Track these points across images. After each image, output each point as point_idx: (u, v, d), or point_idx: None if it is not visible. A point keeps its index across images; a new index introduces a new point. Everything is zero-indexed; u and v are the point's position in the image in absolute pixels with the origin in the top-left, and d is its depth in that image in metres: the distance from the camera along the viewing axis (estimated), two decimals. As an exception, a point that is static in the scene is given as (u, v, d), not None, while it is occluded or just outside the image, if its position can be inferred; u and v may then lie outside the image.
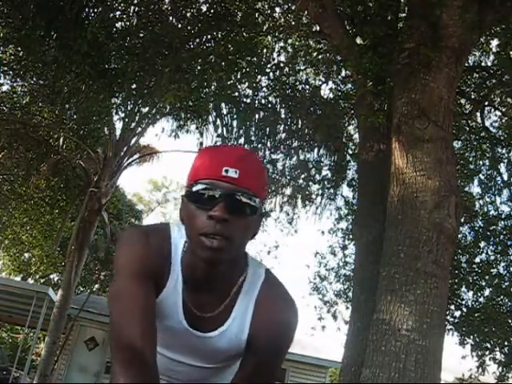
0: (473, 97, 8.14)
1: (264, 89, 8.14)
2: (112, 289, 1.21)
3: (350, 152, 8.77)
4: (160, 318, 1.22)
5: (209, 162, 1.17)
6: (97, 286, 20.17)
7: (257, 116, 8.13)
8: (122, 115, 11.39)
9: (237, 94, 8.07)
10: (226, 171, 1.13)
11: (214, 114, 8.94)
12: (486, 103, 8.27)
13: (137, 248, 1.21)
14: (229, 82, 7.36)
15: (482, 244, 8.79)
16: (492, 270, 8.55)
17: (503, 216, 8.70)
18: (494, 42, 7.72)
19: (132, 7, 7.44)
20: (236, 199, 1.13)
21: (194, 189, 1.15)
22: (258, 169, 1.22)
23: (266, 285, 1.28)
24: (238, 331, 1.25)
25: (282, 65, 8.08)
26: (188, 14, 7.48)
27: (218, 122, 8.92)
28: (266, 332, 1.23)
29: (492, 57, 8.02)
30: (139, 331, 1.12)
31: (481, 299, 8.68)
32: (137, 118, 12.29)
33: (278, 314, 1.25)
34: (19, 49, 8.12)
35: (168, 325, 1.25)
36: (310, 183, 8.80)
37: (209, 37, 7.51)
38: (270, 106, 8.14)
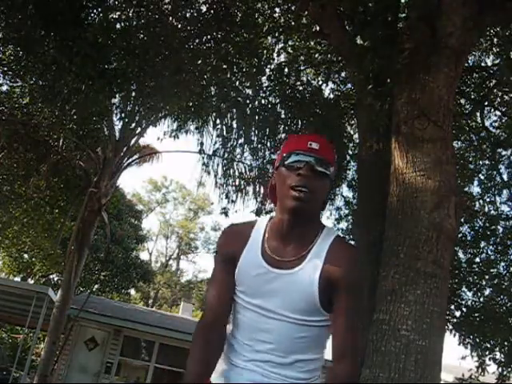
0: (472, 97, 8.14)
1: (264, 89, 8.14)
2: None
3: (350, 152, 8.77)
4: (248, 270, 1.57)
5: (297, 139, 1.60)
6: (97, 286, 20.16)
7: (257, 117, 8.13)
8: (122, 115, 11.39)
9: (237, 94, 8.06)
10: (311, 144, 1.54)
11: (214, 114, 8.95)
12: (486, 103, 8.27)
13: (218, 242, 1.71)
14: (229, 83, 7.36)
15: (482, 244, 8.78)
16: (492, 270, 8.55)
17: (503, 216, 8.71)
18: (494, 42, 7.72)
19: (132, 8, 7.43)
20: (317, 163, 1.52)
21: (288, 157, 1.55)
22: (331, 146, 1.64)
23: (336, 240, 1.58)
24: (312, 271, 1.52)
25: (282, 65, 8.08)
26: (188, 15, 7.47)
27: (218, 122, 8.93)
28: (337, 269, 1.51)
29: (492, 57, 8.03)
30: (215, 301, 1.61)
31: (481, 299, 8.68)
32: (137, 118, 12.30)
33: (346, 256, 1.55)
34: (19, 49, 8.11)
35: (255, 273, 1.56)
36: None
37: (209, 37, 7.51)
38: (270, 106, 8.14)
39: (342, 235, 1.69)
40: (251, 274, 1.56)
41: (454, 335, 8.44)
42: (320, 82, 8.70)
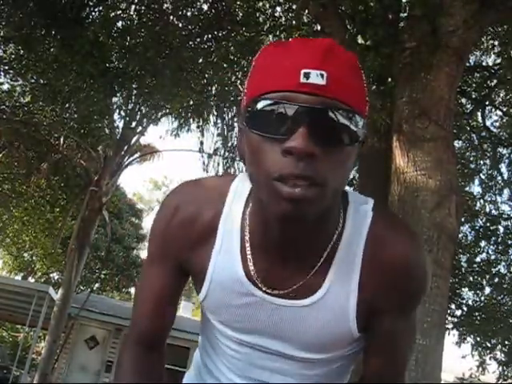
0: (474, 96, 8.14)
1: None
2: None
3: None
4: (224, 295, 0.92)
5: (278, 65, 0.74)
6: (97, 284, 20.19)
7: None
8: (123, 114, 11.41)
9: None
10: (307, 76, 0.71)
11: (216, 113, 8.96)
12: (487, 103, 8.27)
13: (161, 223, 0.96)
14: (230, 82, 7.36)
15: (483, 243, 8.80)
16: (492, 270, 8.56)
17: (504, 215, 8.71)
18: (495, 42, 7.72)
19: (133, 6, 7.44)
20: (326, 119, 0.72)
21: (257, 108, 0.74)
22: (356, 70, 0.78)
23: (376, 222, 0.87)
24: (342, 295, 0.87)
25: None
26: (188, 13, 7.48)
27: (219, 121, 8.94)
28: (388, 281, 0.86)
29: (493, 56, 8.02)
30: (148, 317, 1.00)
31: (481, 298, 8.70)
32: (137, 117, 12.31)
33: (399, 250, 0.85)
34: (20, 47, 8.12)
35: (239, 302, 0.91)
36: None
37: (209, 36, 7.52)
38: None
39: (377, 203, 0.81)
40: (232, 302, 0.92)
41: (454, 335, 8.46)
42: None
